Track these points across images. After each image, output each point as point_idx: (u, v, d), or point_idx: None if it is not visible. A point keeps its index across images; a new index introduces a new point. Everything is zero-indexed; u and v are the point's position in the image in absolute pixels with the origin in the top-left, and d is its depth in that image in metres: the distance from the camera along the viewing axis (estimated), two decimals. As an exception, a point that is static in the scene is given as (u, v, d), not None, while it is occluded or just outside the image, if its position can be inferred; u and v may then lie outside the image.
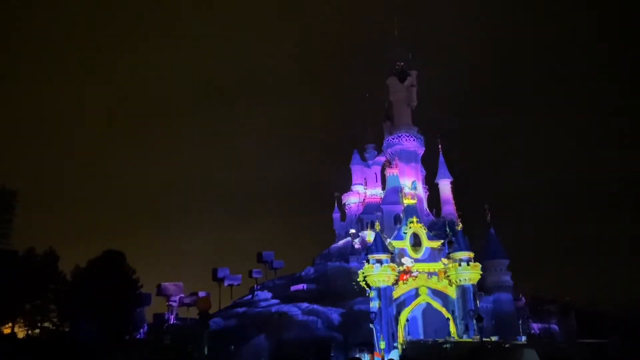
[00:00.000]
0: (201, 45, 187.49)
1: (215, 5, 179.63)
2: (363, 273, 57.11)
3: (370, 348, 52.49)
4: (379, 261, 56.03)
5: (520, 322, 59.32)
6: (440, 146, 78.77)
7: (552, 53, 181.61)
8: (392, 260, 57.72)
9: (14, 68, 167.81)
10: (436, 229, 65.62)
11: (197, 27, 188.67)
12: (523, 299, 67.08)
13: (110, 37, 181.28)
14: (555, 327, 63.83)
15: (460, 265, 56.29)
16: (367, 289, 57.07)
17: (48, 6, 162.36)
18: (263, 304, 64.76)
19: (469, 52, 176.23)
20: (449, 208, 74.51)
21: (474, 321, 51.05)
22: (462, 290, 55.92)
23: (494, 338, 51.32)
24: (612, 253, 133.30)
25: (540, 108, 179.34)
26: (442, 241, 61.47)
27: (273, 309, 61.82)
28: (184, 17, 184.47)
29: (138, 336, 60.80)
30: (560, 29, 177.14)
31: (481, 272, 57.73)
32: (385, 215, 69.57)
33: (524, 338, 54.07)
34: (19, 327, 52.02)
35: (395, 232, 63.31)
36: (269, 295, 68.22)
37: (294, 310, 61.10)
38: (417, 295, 56.42)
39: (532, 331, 60.83)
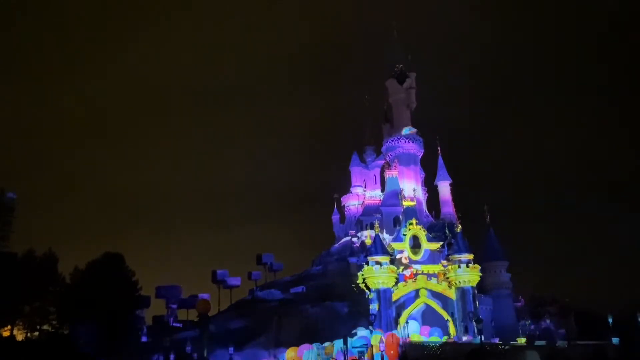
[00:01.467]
0: (201, 45, 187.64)
1: (213, 6, 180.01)
2: (363, 275, 57.19)
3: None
4: (379, 263, 56.17)
5: (520, 323, 59.33)
6: (439, 148, 78.98)
7: (552, 53, 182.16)
8: (392, 262, 57.84)
9: (12, 68, 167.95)
10: (435, 231, 65.66)
11: (196, 28, 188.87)
12: (522, 300, 67.04)
13: (108, 38, 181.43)
14: (554, 328, 63.76)
15: (459, 267, 56.43)
16: (366, 290, 57.15)
17: (43, 6, 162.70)
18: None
19: (469, 53, 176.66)
20: (448, 210, 74.58)
21: (474, 323, 51.05)
22: (462, 291, 56.04)
23: (493, 340, 51.38)
24: (612, 254, 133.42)
25: (540, 108, 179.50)
26: (441, 243, 61.64)
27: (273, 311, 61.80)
28: (182, 18, 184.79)
29: (137, 339, 60.74)
30: (560, 29, 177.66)
31: (480, 274, 57.84)
32: (385, 217, 69.62)
33: (523, 340, 54.14)
34: (18, 329, 51.88)
35: (395, 234, 63.42)
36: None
37: (294, 310, 61.09)
38: (416, 297, 56.56)
39: (532, 332, 60.75)
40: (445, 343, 48.49)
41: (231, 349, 45.62)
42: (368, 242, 63.61)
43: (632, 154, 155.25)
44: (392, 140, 76.14)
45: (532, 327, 61.76)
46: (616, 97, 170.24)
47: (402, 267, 57.77)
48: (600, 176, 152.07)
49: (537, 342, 52.45)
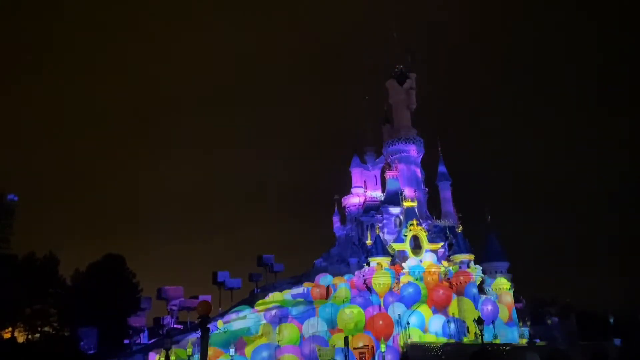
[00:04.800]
0: (202, 46, 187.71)
1: (215, 6, 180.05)
2: (364, 276, 57.14)
3: None
4: (380, 264, 56.14)
5: (520, 324, 59.26)
6: (439, 148, 78.93)
7: (552, 52, 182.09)
8: (393, 262, 57.80)
9: (11, 67, 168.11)
10: (436, 232, 65.60)
11: (196, 28, 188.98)
12: (523, 301, 66.95)
13: (109, 38, 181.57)
14: (555, 329, 63.72)
15: (460, 267, 56.38)
16: (367, 291, 57.08)
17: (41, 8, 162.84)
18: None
19: (469, 53, 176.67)
20: (449, 210, 74.48)
21: (475, 323, 51.04)
22: (463, 292, 55.95)
23: (495, 340, 51.31)
24: (613, 255, 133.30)
25: (540, 108, 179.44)
26: (442, 244, 61.63)
27: (274, 312, 61.62)
28: (183, 17, 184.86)
29: (138, 340, 60.75)
30: (560, 29, 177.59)
31: (481, 275, 57.78)
32: (386, 218, 69.57)
33: (524, 340, 54.07)
34: (19, 331, 51.84)
35: (396, 235, 63.38)
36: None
37: (294, 311, 60.90)
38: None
39: (532, 333, 60.71)
40: (447, 344, 48.47)
41: (232, 350, 45.65)
42: (369, 243, 63.59)
43: (632, 155, 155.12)
44: (393, 141, 76.12)
45: (533, 327, 61.70)
46: (618, 96, 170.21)
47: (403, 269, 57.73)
48: (601, 177, 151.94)
49: (538, 343, 52.43)
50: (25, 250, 53.35)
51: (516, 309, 59.81)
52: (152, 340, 60.73)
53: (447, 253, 60.29)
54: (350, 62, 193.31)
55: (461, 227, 60.89)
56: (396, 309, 52.00)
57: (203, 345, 17.16)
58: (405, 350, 47.71)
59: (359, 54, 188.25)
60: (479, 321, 40.94)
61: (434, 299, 54.53)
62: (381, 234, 61.77)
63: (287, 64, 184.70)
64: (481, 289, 58.69)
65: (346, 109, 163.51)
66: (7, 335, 49.82)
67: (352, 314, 49.68)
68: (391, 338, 49.38)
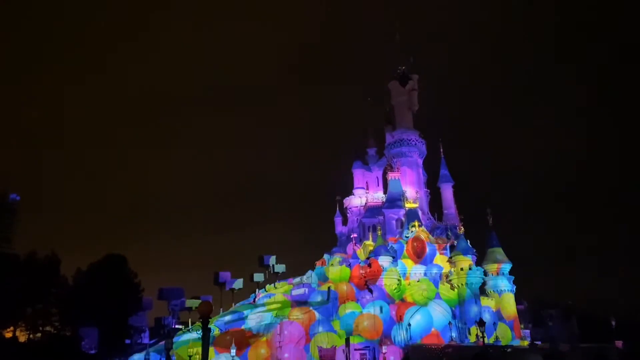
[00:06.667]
0: (202, 45, 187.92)
1: (215, 5, 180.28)
2: (365, 277, 57.18)
3: None
4: (381, 265, 56.16)
5: (522, 326, 59.15)
6: (441, 150, 78.92)
7: (552, 52, 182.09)
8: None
9: (12, 68, 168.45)
10: (438, 233, 65.52)
11: (195, 26, 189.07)
12: (524, 303, 66.84)
13: (107, 40, 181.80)
14: (556, 331, 63.61)
15: (461, 269, 56.34)
16: (370, 292, 57.08)
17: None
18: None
19: (469, 53, 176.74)
20: (451, 212, 74.47)
21: (476, 325, 51.00)
22: (464, 294, 55.91)
23: (496, 342, 51.24)
24: (614, 257, 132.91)
25: (541, 108, 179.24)
26: (443, 245, 61.51)
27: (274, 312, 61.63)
28: (181, 16, 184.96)
29: (139, 340, 60.76)
30: (561, 28, 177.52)
31: (483, 276, 57.70)
32: (387, 219, 69.54)
33: (526, 342, 53.97)
34: (20, 330, 51.88)
35: (397, 236, 63.33)
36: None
37: (295, 312, 60.86)
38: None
39: (534, 335, 60.60)
40: (448, 345, 48.44)
41: (232, 350, 45.71)
42: (371, 244, 63.59)
43: (631, 156, 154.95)
44: (395, 143, 76.17)
45: (534, 329, 61.59)
46: (616, 99, 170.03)
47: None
48: (601, 178, 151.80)
49: (540, 345, 52.30)
50: (27, 250, 53.42)
51: (517, 310, 59.78)
52: (153, 341, 60.77)
53: (448, 254, 60.19)
54: (354, 62, 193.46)
55: (463, 229, 60.84)
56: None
57: (204, 345, 17.17)
58: (406, 351, 47.74)
59: (363, 53, 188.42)
60: (480, 323, 40.92)
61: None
62: (383, 235, 61.77)
63: (289, 64, 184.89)
64: (483, 290, 58.66)
65: (348, 109, 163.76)
66: (8, 335, 49.87)
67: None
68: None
